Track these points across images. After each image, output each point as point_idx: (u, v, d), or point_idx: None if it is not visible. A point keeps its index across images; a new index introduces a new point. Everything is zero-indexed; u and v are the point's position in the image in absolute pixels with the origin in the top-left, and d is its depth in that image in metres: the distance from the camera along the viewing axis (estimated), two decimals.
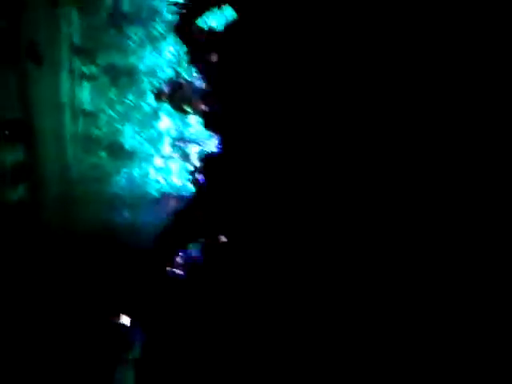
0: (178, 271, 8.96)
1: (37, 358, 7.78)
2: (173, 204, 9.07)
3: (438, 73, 7.60)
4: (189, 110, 9.13)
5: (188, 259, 8.96)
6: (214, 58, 9.05)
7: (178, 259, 8.98)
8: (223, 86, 9.21)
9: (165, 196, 9.02)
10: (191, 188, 9.17)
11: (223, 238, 9.08)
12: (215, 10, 8.90)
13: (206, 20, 8.92)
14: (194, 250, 9.02)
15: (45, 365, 7.80)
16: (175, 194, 9.09)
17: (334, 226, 8.37)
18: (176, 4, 8.80)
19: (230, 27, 8.91)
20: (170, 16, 8.85)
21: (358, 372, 7.53)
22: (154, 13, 8.81)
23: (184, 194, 9.13)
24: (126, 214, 8.77)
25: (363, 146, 8.31)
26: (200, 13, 8.95)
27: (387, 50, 7.93)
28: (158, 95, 9.02)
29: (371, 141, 8.22)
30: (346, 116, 8.38)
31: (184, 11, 8.83)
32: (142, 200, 8.87)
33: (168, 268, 8.94)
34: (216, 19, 8.90)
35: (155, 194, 8.94)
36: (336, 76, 8.38)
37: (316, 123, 8.73)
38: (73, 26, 8.41)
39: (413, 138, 7.87)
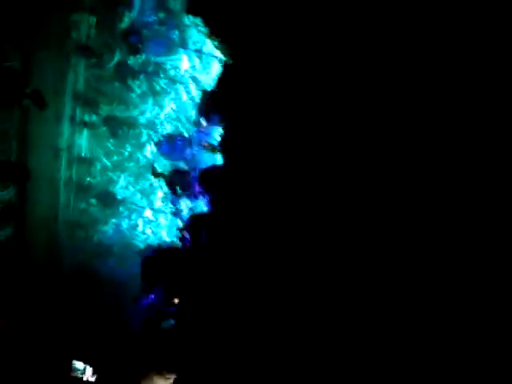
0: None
1: None
2: (157, 257, 9.03)
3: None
4: (183, 165, 9.24)
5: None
6: (212, 113, 9.26)
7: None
8: (220, 141, 9.38)
9: (150, 249, 9.00)
10: (178, 243, 9.15)
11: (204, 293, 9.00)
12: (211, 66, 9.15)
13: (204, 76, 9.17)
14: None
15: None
16: (162, 247, 9.07)
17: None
18: (179, 61, 9.06)
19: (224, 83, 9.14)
20: (172, 72, 9.09)
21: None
22: (158, 68, 9.05)
23: (170, 248, 9.11)
24: (111, 262, 8.71)
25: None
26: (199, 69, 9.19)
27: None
28: (155, 148, 9.14)
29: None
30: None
31: (186, 68, 9.07)
32: (127, 250, 8.83)
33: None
34: (210, 76, 9.16)
35: (141, 245, 8.91)
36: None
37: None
38: (79, 76, 8.63)
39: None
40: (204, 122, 9.25)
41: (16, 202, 8.12)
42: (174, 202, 9.24)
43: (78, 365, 8.28)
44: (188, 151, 9.11)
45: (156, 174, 9.19)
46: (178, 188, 9.26)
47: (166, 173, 9.27)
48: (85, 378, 8.26)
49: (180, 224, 9.26)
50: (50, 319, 8.29)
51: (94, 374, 8.22)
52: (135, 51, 8.92)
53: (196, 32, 9.21)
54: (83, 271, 8.45)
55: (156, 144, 9.10)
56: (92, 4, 8.53)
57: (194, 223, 9.27)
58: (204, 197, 9.32)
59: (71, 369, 8.22)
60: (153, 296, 9.00)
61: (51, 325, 8.16)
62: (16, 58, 8.24)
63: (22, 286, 8.04)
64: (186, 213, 9.30)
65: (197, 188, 9.33)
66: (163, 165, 9.25)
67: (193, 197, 9.31)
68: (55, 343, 8.12)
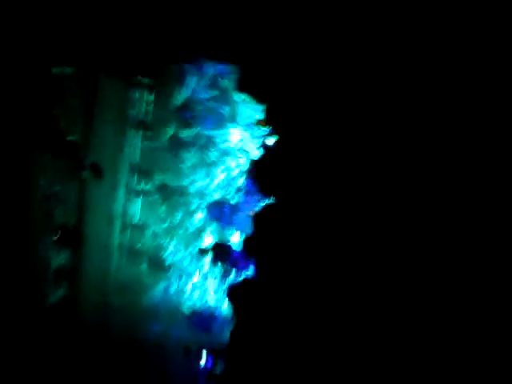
0: None
1: None
2: (205, 323, 9.20)
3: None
4: (231, 231, 9.55)
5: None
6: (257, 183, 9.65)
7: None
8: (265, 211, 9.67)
9: (198, 314, 9.20)
10: (225, 309, 9.32)
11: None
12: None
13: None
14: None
15: None
16: (208, 313, 9.25)
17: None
18: (229, 134, 9.59)
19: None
20: (223, 144, 9.60)
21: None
22: (209, 142, 9.58)
23: (217, 314, 9.28)
24: (157, 327, 8.95)
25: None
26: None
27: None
28: (205, 216, 9.53)
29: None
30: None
31: (235, 141, 9.58)
32: (174, 315, 9.07)
33: None
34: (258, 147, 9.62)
35: (187, 311, 9.14)
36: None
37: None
38: (135, 148, 9.27)
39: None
40: (250, 190, 9.62)
41: (70, 265, 8.64)
42: (221, 266, 9.50)
43: None
44: (235, 217, 9.44)
45: (204, 242, 9.50)
46: (223, 264, 9.55)
47: (213, 241, 9.58)
48: None
49: (227, 289, 9.47)
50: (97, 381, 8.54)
51: None
52: (188, 125, 9.54)
53: (245, 108, 9.76)
54: (131, 335, 8.73)
55: (206, 209, 9.50)
56: (149, 83, 9.28)
57: (241, 288, 9.46)
58: (250, 263, 9.54)
59: None
60: (203, 363, 9.12)
61: None
62: (78, 131, 9.00)
63: (72, 346, 8.38)
64: (232, 277, 9.52)
65: (242, 261, 9.59)
66: (211, 231, 9.58)
67: (239, 267, 9.56)
68: None
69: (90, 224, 8.92)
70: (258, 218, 9.59)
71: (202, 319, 9.18)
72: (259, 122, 9.81)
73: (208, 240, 9.50)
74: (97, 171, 9.04)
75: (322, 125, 9.57)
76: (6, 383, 7.70)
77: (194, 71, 9.35)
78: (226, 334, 9.20)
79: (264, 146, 9.83)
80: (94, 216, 8.96)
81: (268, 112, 9.84)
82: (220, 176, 9.63)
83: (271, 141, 9.85)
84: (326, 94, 9.74)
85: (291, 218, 9.58)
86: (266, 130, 9.78)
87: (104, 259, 8.88)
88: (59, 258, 8.58)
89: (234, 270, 9.49)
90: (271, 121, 9.87)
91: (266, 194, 9.68)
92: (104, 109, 9.06)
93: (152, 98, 9.34)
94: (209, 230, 9.52)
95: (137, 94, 9.15)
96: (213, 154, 9.62)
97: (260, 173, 9.72)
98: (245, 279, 9.50)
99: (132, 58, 9.06)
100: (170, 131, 9.46)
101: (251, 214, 9.58)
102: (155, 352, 8.80)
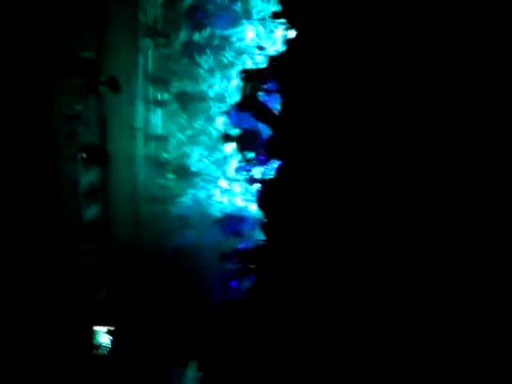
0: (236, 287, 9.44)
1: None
2: (235, 225, 9.51)
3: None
4: (253, 133, 9.50)
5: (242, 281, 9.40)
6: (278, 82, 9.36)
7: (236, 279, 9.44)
8: (287, 110, 9.48)
9: (228, 217, 9.49)
10: (254, 210, 9.55)
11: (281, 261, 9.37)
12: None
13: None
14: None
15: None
16: (238, 215, 9.52)
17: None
18: (244, 32, 9.20)
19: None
20: (238, 43, 9.26)
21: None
22: (224, 42, 9.25)
23: (247, 215, 9.54)
24: (190, 233, 9.33)
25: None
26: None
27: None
28: (227, 136, 9.47)
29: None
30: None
31: (251, 38, 9.19)
32: (205, 220, 9.39)
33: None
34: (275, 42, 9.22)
35: (218, 214, 9.42)
36: None
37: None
38: (148, 57, 9.08)
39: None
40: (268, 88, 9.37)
41: (99, 182, 8.91)
42: (246, 170, 9.59)
43: None
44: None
45: (227, 140, 9.47)
46: (248, 153, 9.54)
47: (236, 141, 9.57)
48: None
49: (254, 190, 9.62)
50: (133, 292, 9.11)
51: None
52: (200, 27, 9.18)
53: (259, 1, 9.25)
54: (164, 244, 9.16)
55: (226, 114, 9.41)
56: None
57: (267, 188, 9.56)
58: (274, 162, 9.56)
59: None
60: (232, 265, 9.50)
61: (134, 298, 8.99)
62: (90, 47, 8.83)
63: (109, 262, 8.90)
64: (258, 178, 9.63)
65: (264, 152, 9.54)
66: (234, 134, 9.57)
67: (264, 161, 9.56)
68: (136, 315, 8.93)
69: (114, 140, 9.04)
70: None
71: (232, 222, 9.48)
72: (275, 15, 9.30)
73: (232, 144, 9.51)
74: (113, 85, 8.97)
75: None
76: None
77: None
78: (256, 235, 9.49)
79: (284, 40, 9.41)
80: (116, 131, 9.05)
81: (284, 2, 9.29)
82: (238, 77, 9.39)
83: (291, 33, 9.39)
84: None
85: None
86: (282, 22, 9.30)
87: (131, 173, 9.10)
88: (88, 177, 8.83)
89: (259, 171, 9.55)
90: (288, 12, 9.34)
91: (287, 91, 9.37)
92: (114, 19, 8.79)
93: (160, 0, 8.99)
94: (232, 134, 9.50)
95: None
96: (229, 54, 9.35)
97: (280, 70, 9.35)
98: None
99: None
100: (183, 35, 9.18)
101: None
102: (189, 259, 9.24)
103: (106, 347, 8.83)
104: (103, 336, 8.86)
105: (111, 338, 8.84)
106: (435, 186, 7.70)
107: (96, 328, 8.83)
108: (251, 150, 9.53)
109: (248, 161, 9.55)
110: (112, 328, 8.84)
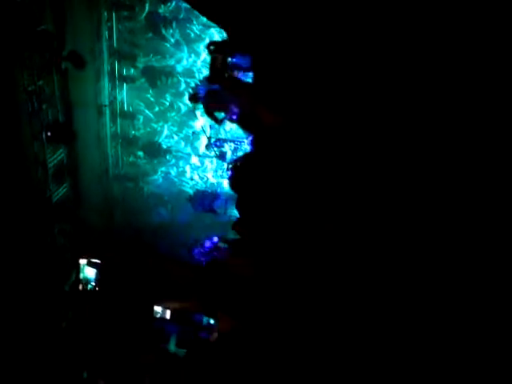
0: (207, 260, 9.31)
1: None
2: (208, 201, 9.37)
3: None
4: (223, 109, 9.33)
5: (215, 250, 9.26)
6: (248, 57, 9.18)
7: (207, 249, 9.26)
8: (258, 85, 9.32)
9: (200, 193, 9.34)
10: (226, 186, 9.43)
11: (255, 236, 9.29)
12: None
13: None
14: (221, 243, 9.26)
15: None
16: (210, 191, 9.39)
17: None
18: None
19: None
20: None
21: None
22: (190, 15, 9.02)
23: (219, 191, 9.42)
24: (163, 211, 9.17)
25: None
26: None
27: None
28: (195, 95, 9.24)
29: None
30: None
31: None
32: (177, 198, 9.24)
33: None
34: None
35: (190, 191, 9.27)
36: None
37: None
38: (112, 31, 8.77)
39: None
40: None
41: (68, 161, 8.63)
42: (217, 146, 9.43)
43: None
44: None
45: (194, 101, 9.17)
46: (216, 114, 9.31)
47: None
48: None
49: (225, 166, 9.48)
50: (107, 267, 8.90)
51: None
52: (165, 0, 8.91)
53: None
54: (136, 222, 8.97)
55: (193, 89, 9.19)
56: None
57: (238, 164, 9.43)
58: (246, 137, 9.44)
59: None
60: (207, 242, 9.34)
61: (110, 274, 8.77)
62: (48, 21, 8.44)
63: (80, 238, 8.68)
64: (229, 155, 9.49)
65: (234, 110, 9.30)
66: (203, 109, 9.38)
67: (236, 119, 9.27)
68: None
69: (80, 118, 8.75)
70: None
71: (205, 199, 9.34)
72: None
73: (202, 120, 9.33)
74: (77, 61, 8.65)
75: None
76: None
77: None
78: (229, 212, 9.38)
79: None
80: (81, 109, 8.76)
81: None
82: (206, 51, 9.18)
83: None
84: None
85: None
86: None
87: (99, 151, 8.84)
88: (55, 157, 8.53)
89: (230, 147, 9.41)
90: None
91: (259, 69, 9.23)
92: None
93: None
94: (201, 109, 9.31)
95: None
96: (196, 28, 9.12)
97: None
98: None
99: None
100: (146, 8, 8.89)
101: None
102: (162, 236, 9.09)
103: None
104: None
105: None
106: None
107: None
108: (220, 109, 9.34)
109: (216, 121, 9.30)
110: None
